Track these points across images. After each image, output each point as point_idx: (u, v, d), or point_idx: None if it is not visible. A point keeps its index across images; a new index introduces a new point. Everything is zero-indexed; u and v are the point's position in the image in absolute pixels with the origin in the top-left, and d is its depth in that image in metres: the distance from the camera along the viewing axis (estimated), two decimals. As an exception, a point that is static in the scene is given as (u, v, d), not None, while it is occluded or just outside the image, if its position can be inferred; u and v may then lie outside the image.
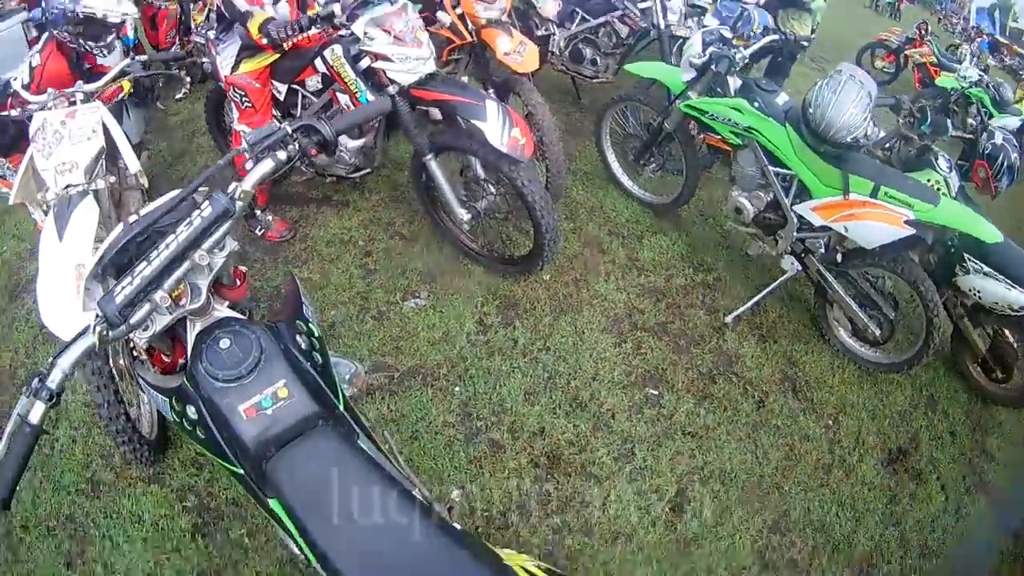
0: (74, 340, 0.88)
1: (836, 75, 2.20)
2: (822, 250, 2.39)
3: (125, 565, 1.71)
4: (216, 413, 0.92)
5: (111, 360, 1.67)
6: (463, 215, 2.31)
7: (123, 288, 0.91)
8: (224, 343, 0.96)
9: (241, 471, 0.92)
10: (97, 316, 0.90)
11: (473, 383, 2.09)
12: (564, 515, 1.81)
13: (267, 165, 1.04)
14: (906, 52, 6.21)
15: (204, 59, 3.01)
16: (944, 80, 4.87)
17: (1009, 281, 2.20)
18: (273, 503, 0.89)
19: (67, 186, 1.83)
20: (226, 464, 0.94)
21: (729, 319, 2.52)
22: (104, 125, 1.98)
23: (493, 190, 2.37)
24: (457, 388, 2.07)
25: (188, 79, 3.85)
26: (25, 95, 2.03)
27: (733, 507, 1.93)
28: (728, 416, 2.19)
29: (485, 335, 2.28)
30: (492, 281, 2.51)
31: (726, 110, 2.41)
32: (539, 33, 3.78)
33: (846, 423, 2.29)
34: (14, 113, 2.01)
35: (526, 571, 0.84)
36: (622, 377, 2.22)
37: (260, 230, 2.63)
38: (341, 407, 1.03)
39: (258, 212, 2.64)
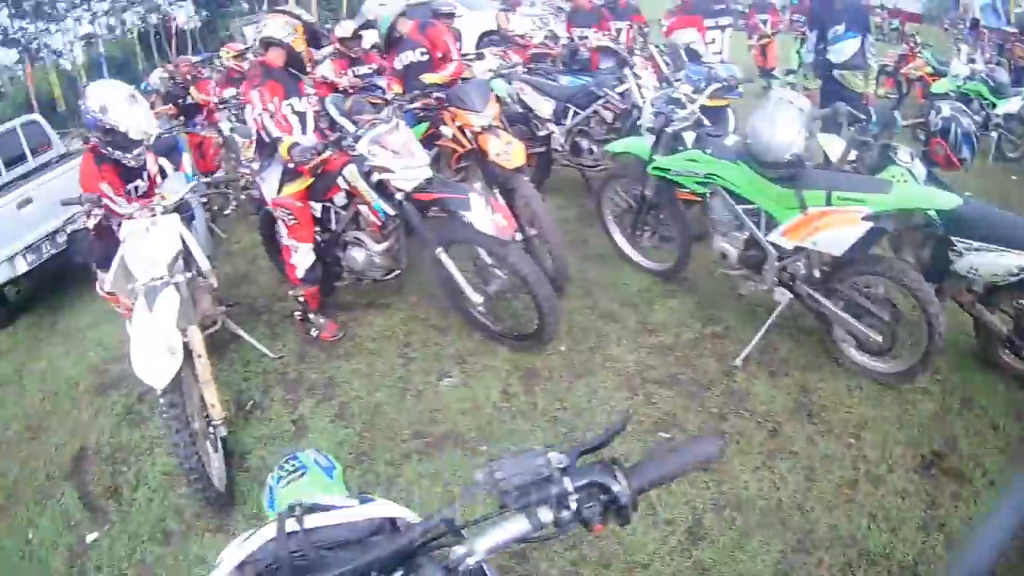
0: None
1: (766, 101, 2.41)
2: (803, 271, 2.48)
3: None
4: None
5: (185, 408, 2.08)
6: (476, 298, 2.67)
7: None
8: None
9: None
10: None
11: (498, 443, 2.41)
12: (581, 548, 1.99)
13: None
14: (902, 71, 6.19)
15: (253, 189, 3.78)
16: (939, 85, 4.92)
17: (999, 246, 2.18)
18: None
19: (152, 278, 2.24)
20: None
21: (738, 361, 2.65)
22: (180, 235, 2.43)
23: (500, 273, 2.66)
24: (484, 447, 2.40)
25: (233, 199, 4.83)
26: (115, 207, 2.50)
27: (752, 531, 2.02)
28: (741, 447, 2.30)
29: (509, 403, 2.63)
30: (516, 357, 2.85)
31: (683, 163, 2.65)
32: (541, 134, 4.27)
33: (870, 438, 2.31)
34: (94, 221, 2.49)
35: None
36: (634, 426, 2.44)
37: (314, 331, 3.10)
38: None
39: (311, 315, 3.09)
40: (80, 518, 2.42)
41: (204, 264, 2.56)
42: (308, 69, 3.11)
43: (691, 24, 4.88)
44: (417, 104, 3.29)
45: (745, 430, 2.37)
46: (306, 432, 2.62)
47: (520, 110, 4.34)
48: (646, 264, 3.39)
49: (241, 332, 3.07)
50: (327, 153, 2.65)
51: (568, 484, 0.66)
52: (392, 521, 0.81)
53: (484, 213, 2.46)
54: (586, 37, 4.78)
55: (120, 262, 2.37)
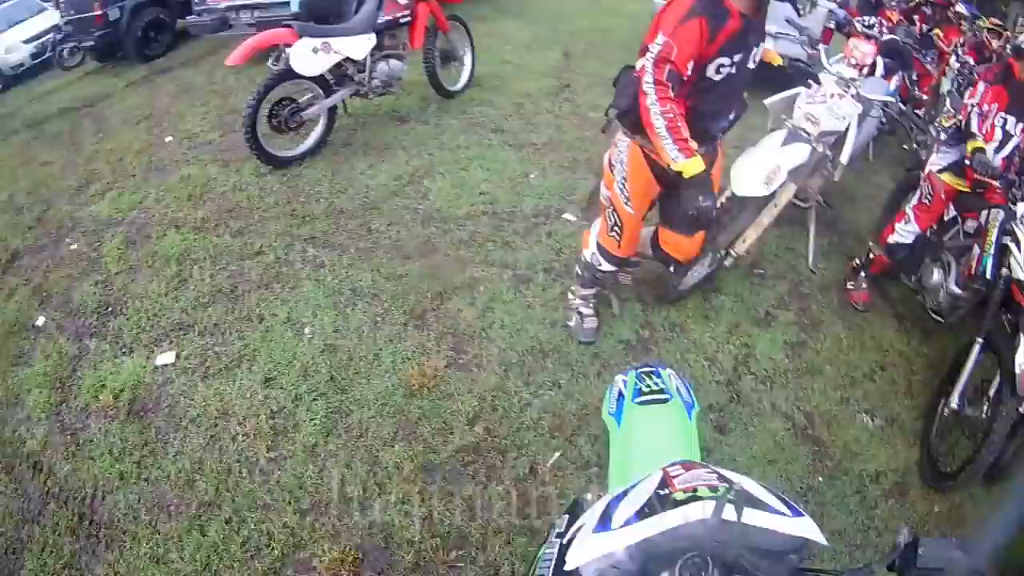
0: None
1: None
2: None
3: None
4: None
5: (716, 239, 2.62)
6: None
7: None
8: None
9: None
10: None
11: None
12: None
13: None
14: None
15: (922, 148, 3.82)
16: None
17: None
18: None
19: (803, 128, 2.58)
20: None
21: None
22: (851, 123, 2.63)
23: None
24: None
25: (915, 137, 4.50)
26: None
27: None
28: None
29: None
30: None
31: None
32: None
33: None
34: None
35: None
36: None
37: (851, 286, 3.09)
38: None
39: (862, 274, 3.04)
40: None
41: (845, 158, 2.64)
42: None
43: None
44: None
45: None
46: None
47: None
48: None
49: (811, 234, 2.98)
50: (997, 184, 2.50)
51: None
52: (805, 542, 0.76)
53: None
54: None
55: (794, 96, 2.74)
